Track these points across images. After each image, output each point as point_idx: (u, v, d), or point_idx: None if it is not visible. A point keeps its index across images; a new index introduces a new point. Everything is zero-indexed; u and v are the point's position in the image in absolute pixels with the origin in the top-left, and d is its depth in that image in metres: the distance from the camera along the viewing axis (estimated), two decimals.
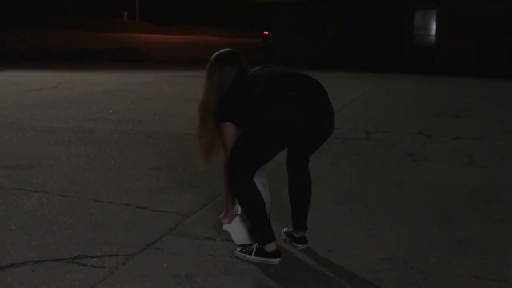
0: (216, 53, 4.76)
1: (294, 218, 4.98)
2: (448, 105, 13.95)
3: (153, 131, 9.53)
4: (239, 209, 4.73)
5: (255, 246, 4.61)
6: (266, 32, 57.57)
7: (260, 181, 4.67)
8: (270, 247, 4.55)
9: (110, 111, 11.41)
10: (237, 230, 4.78)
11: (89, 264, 4.36)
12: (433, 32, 26.35)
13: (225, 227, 4.78)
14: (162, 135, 9.29)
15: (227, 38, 55.44)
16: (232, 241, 4.79)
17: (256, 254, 4.58)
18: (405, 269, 4.47)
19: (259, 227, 4.59)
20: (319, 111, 4.58)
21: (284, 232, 5.12)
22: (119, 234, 4.98)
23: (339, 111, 12.12)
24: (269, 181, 4.88)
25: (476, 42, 24.50)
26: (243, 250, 4.66)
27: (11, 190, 6.15)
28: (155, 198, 6.05)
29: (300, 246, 4.92)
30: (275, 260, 4.54)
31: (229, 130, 4.56)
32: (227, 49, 4.85)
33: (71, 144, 8.47)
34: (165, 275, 4.24)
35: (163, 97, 13.88)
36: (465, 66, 23.71)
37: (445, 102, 14.47)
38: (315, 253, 4.76)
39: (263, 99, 4.48)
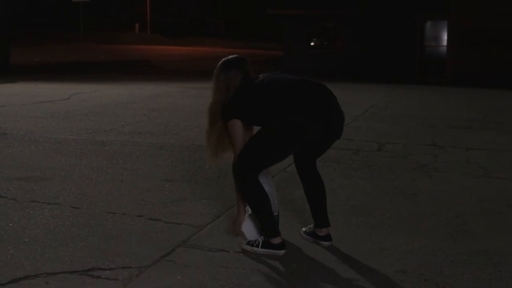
0: (224, 59, 5.07)
1: (315, 217, 5.20)
2: (460, 116, 13.92)
3: (165, 143, 9.54)
4: (249, 209, 5.00)
5: (261, 239, 4.93)
6: None
7: (265, 181, 4.97)
8: (276, 240, 4.88)
9: (122, 123, 11.43)
10: (249, 228, 5.03)
11: (103, 277, 4.36)
12: (444, 43, 26.33)
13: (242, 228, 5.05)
14: (174, 147, 9.30)
15: (237, 50, 55.51)
16: (244, 252, 4.81)
17: (262, 247, 4.90)
18: (419, 282, 4.45)
19: (265, 223, 4.89)
20: (332, 117, 4.85)
21: (305, 232, 5.32)
22: (132, 246, 4.98)
23: (351, 123, 12.11)
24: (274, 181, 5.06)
25: (487, 53, 24.46)
26: (250, 243, 4.96)
27: (24, 202, 6.16)
28: (168, 210, 6.04)
29: (326, 243, 5.13)
30: (281, 252, 4.87)
31: (237, 127, 4.86)
32: (234, 55, 5.16)
33: (83, 156, 8.49)
34: (178, 287, 4.23)
35: (175, 109, 13.89)
36: (477, 77, 23.67)
37: (457, 113, 14.43)
38: (328, 265, 4.75)
39: (278, 105, 4.75)
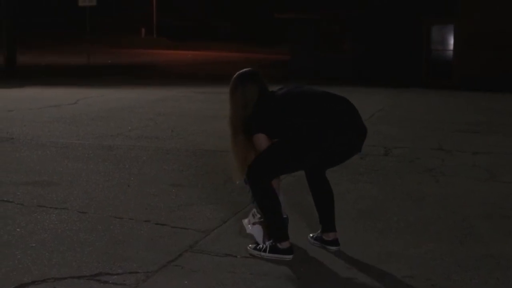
0: (237, 73, 5.07)
1: (323, 221, 5.22)
2: (466, 120, 13.90)
3: (171, 148, 9.55)
4: (255, 212, 5.14)
5: (268, 244, 4.94)
6: None
7: (277, 185, 5.04)
8: (284, 245, 4.90)
9: (129, 128, 11.44)
10: (258, 232, 5.10)
11: (110, 281, 4.37)
12: (451, 47, 26.29)
13: (248, 230, 5.13)
14: (181, 151, 9.31)
15: (243, 53, 55.50)
16: (251, 257, 4.82)
17: (270, 251, 4.91)
18: (427, 287, 4.45)
19: (275, 227, 4.94)
20: (355, 132, 4.97)
21: (312, 237, 5.32)
22: (139, 251, 4.99)
23: None
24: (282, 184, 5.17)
25: (493, 56, 24.42)
26: (257, 248, 4.99)
27: (31, 207, 6.18)
28: (175, 214, 6.05)
29: (333, 248, 5.15)
30: (288, 257, 4.88)
31: (262, 140, 4.89)
32: (247, 69, 5.16)
33: (90, 160, 8.50)
34: None
35: (181, 114, 13.90)
36: (483, 81, 23.63)
37: (463, 117, 14.41)
38: (336, 270, 4.74)
39: (303, 119, 4.80)
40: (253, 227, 5.13)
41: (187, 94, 18.87)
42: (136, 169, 8.04)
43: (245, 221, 5.22)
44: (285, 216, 5.07)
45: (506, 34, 24.26)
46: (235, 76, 5.06)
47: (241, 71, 5.11)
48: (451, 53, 26.25)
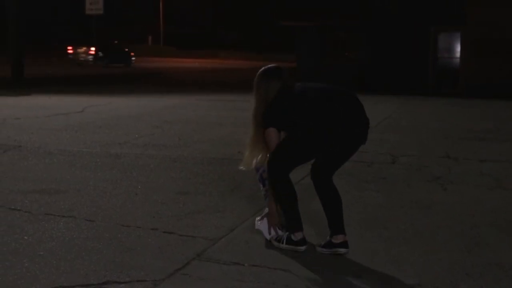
0: (263, 68, 5.45)
1: (331, 224, 5.32)
2: (473, 127, 13.88)
3: (179, 156, 9.56)
4: (266, 209, 5.53)
5: (285, 236, 5.29)
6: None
7: None
8: (297, 236, 5.24)
9: (136, 136, 11.46)
10: (264, 226, 5.50)
11: None
12: (457, 54, 26.28)
13: (257, 226, 5.53)
14: (188, 159, 9.31)
15: (249, 61, 55.57)
16: (259, 265, 4.83)
17: (287, 243, 5.27)
18: None
19: (290, 217, 5.27)
20: (359, 123, 5.31)
21: (320, 245, 5.34)
22: (147, 259, 4.99)
23: None
24: None
25: (500, 64, 24.40)
26: (277, 239, 5.35)
27: (39, 215, 6.19)
28: (182, 223, 6.05)
29: (342, 250, 5.23)
30: (302, 248, 5.23)
31: (274, 134, 5.24)
32: (272, 65, 5.54)
33: (97, 169, 8.52)
34: None
35: (188, 121, 13.92)
36: (490, 88, 23.61)
37: (470, 125, 14.40)
38: (344, 278, 4.74)
39: (311, 112, 5.11)
40: (260, 223, 5.51)
41: (193, 102, 18.90)
42: (143, 177, 8.05)
43: (257, 218, 5.63)
44: None
45: None
46: (260, 71, 5.40)
47: (267, 67, 5.46)
48: (457, 60, 26.24)
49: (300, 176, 7.14)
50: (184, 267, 4.85)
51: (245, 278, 4.66)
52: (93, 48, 43.34)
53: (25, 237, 5.49)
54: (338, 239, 5.25)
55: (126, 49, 46.06)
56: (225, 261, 5.00)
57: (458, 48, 26.24)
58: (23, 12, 27.05)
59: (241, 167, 5.64)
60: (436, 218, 6.43)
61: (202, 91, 23.74)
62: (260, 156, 5.45)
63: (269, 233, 5.45)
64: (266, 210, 5.55)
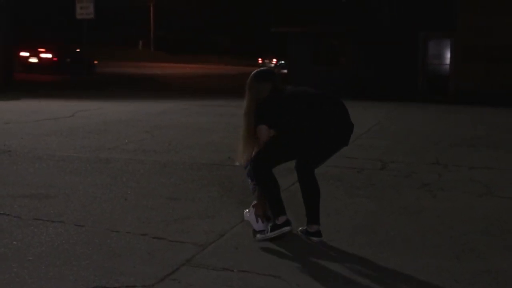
0: (255, 71, 5.93)
1: (308, 214, 5.74)
2: (463, 134, 13.93)
3: (168, 161, 9.55)
4: (254, 202, 5.87)
5: (269, 226, 5.63)
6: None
7: None
8: (281, 219, 5.58)
9: (126, 141, 11.44)
10: (253, 217, 5.81)
11: None
12: (447, 61, 26.39)
13: (246, 217, 5.88)
14: (178, 164, 9.30)
15: (241, 67, 55.63)
16: (248, 271, 4.83)
17: (272, 230, 5.61)
18: None
19: (274, 203, 5.62)
20: (342, 125, 5.67)
21: (300, 230, 5.84)
22: (136, 265, 4.97)
23: (354, 141, 12.09)
24: None
25: (490, 70, 24.51)
26: (261, 233, 5.69)
27: (28, 220, 6.16)
28: (172, 228, 6.04)
29: (315, 239, 5.69)
30: (287, 228, 5.59)
31: (265, 131, 5.62)
32: (264, 68, 6.18)
33: (87, 173, 8.49)
34: None
35: (178, 126, 13.91)
36: (480, 95, 23.70)
37: (460, 132, 14.44)
38: (333, 285, 4.73)
39: (299, 113, 5.52)
40: (249, 214, 5.84)
41: (184, 107, 18.89)
42: (133, 182, 8.03)
43: (246, 210, 5.95)
44: None
45: (503, 47, 24.35)
46: (253, 73, 5.87)
47: (259, 69, 5.98)
48: (448, 67, 26.34)
49: (290, 182, 7.15)
50: (173, 272, 4.84)
51: (234, 284, 4.65)
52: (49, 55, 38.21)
53: (14, 242, 5.47)
54: (313, 228, 5.70)
55: (88, 58, 37.71)
56: (215, 267, 4.99)
57: (448, 55, 26.35)
58: (14, 16, 26.97)
59: (237, 163, 6.06)
60: (426, 225, 6.45)
61: (193, 97, 23.73)
62: (252, 152, 5.78)
63: (257, 222, 5.78)
64: (254, 202, 5.88)
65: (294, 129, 5.55)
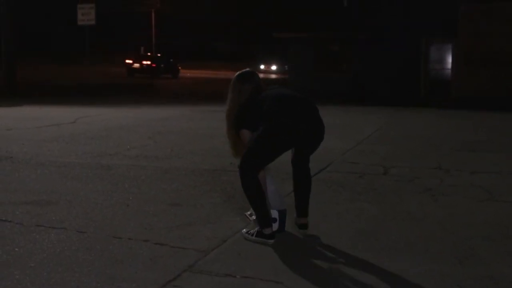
0: (238, 73, 6.04)
1: (297, 207, 6.10)
2: (465, 139, 13.91)
3: (170, 167, 9.55)
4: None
5: (256, 229, 5.79)
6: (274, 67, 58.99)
7: (271, 181, 6.03)
8: (267, 231, 5.72)
9: (128, 147, 11.45)
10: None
11: None
12: (449, 66, 26.40)
13: (251, 218, 6.11)
14: (180, 170, 9.30)
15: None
16: (251, 277, 4.84)
17: (256, 236, 5.76)
18: None
19: (259, 214, 5.74)
20: (311, 121, 5.83)
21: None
22: (138, 271, 4.97)
23: (356, 146, 12.11)
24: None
25: (491, 75, 24.52)
26: (248, 232, 5.87)
27: (30, 227, 6.17)
28: (174, 234, 6.04)
29: (302, 231, 6.03)
30: (270, 241, 5.70)
31: (246, 135, 5.80)
32: (247, 69, 6.15)
33: (89, 180, 8.50)
34: None
35: (180, 132, 13.92)
36: (481, 100, 23.69)
37: (462, 136, 14.43)
38: None
39: (272, 113, 5.66)
40: (254, 217, 5.97)
41: (185, 113, 18.90)
42: (135, 189, 8.03)
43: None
44: (283, 208, 6.04)
45: (504, 52, 24.37)
46: (235, 75, 5.99)
47: (241, 71, 6.06)
48: (449, 72, 26.35)
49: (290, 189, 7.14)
50: (175, 278, 4.84)
51: None
52: None
53: (16, 249, 5.47)
54: (300, 221, 6.07)
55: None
56: (217, 273, 4.99)
57: (449, 60, 26.36)
58: (18, 21, 27.00)
59: (234, 156, 6.14)
60: (428, 230, 6.44)
61: (194, 102, 23.76)
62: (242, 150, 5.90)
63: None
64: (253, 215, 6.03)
65: (271, 128, 5.64)
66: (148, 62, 50.12)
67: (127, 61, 51.23)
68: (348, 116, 18.41)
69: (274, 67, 62.14)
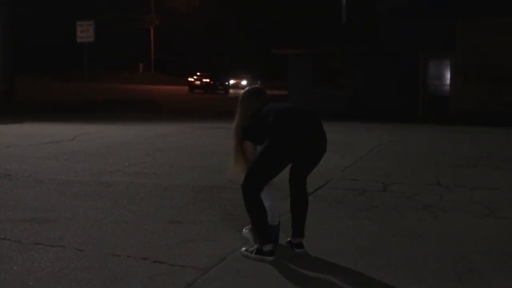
0: (247, 89, 6.28)
1: (293, 227, 6.08)
2: (464, 154, 13.90)
3: (170, 184, 9.53)
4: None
5: (256, 247, 5.82)
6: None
7: (270, 197, 6.00)
8: (267, 247, 5.74)
9: (127, 164, 11.44)
10: (250, 235, 6.05)
11: None
12: (448, 81, 26.43)
13: (244, 234, 6.16)
14: (179, 188, 9.29)
15: (242, 89, 55.84)
16: None
17: (256, 253, 5.78)
18: None
19: (260, 232, 5.79)
20: (315, 134, 5.84)
21: (287, 241, 6.15)
22: None
23: (356, 163, 12.10)
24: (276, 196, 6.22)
25: (490, 90, 24.57)
26: (247, 250, 5.89)
27: (28, 245, 6.15)
28: (173, 252, 6.02)
29: (298, 250, 5.99)
30: (270, 258, 5.71)
31: (249, 146, 5.96)
32: (255, 86, 6.49)
33: (88, 197, 8.48)
34: None
35: (179, 149, 13.91)
36: (480, 115, 23.72)
37: (461, 152, 14.42)
38: None
39: (277, 126, 5.70)
40: (247, 231, 6.09)
41: (185, 130, 18.90)
42: (134, 206, 8.02)
43: (245, 227, 6.21)
44: (276, 223, 6.05)
45: (502, 68, 24.42)
46: (244, 91, 6.23)
47: (250, 87, 6.33)
48: (448, 87, 26.38)
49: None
50: None
51: None
52: None
53: (15, 267, 5.45)
54: (296, 240, 6.04)
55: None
56: None
57: (448, 75, 26.40)
58: (16, 38, 27.03)
59: (228, 177, 6.37)
60: (428, 246, 6.42)
61: (194, 119, 23.76)
62: (243, 168, 6.02)
63: (255, 241, 5.91)
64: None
65: (275, 142, 5.67)
66: (207, 80, 58.85)
67: (189, 79, 59.83)
68: (347, 132, 18.41)
69: (244, 82, 63.65)
